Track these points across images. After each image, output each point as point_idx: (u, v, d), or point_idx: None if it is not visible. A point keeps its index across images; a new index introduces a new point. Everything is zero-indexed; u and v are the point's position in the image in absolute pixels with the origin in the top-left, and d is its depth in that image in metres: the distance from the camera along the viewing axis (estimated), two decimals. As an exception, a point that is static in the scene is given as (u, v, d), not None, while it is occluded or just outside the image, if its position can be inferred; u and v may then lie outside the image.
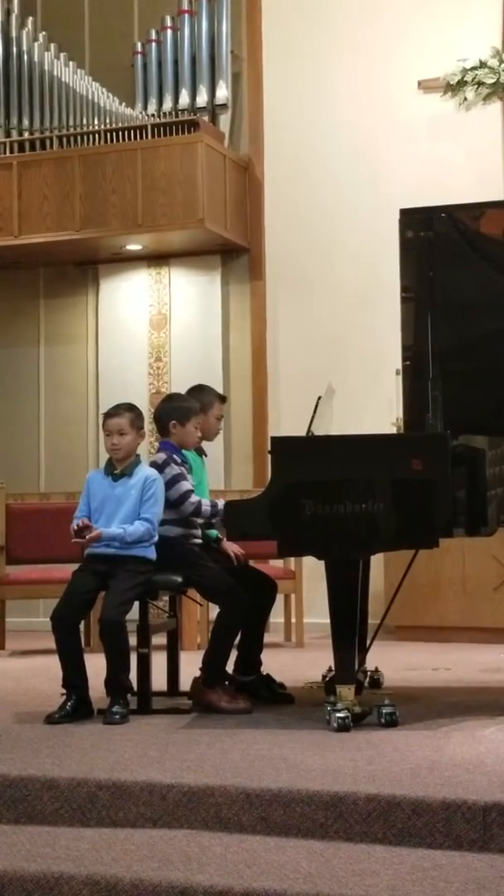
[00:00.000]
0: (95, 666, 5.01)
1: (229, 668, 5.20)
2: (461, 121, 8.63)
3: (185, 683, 5.31)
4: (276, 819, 3.56)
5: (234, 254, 9.11)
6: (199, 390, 5.68)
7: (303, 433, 5.23)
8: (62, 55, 9.24)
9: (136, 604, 5.06)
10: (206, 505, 5.14)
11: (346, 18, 8.91)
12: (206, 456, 5.67)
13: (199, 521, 5.22)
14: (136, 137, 8.72)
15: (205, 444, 5.68)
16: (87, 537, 5.00)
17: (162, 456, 5.23)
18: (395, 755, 4.06)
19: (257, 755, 4.09)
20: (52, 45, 9.27)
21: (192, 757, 4.09)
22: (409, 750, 4.14)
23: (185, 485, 5.15)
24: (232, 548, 5.35)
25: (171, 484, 5.14)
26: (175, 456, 5.22)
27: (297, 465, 4.73)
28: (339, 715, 4.51)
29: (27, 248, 8.96)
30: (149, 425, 5.75)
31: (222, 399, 5.76)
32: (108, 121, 8.92)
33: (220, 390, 6.11)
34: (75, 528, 5.01)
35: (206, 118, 8.92)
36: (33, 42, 9.26)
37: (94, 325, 9.47)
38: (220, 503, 5.12)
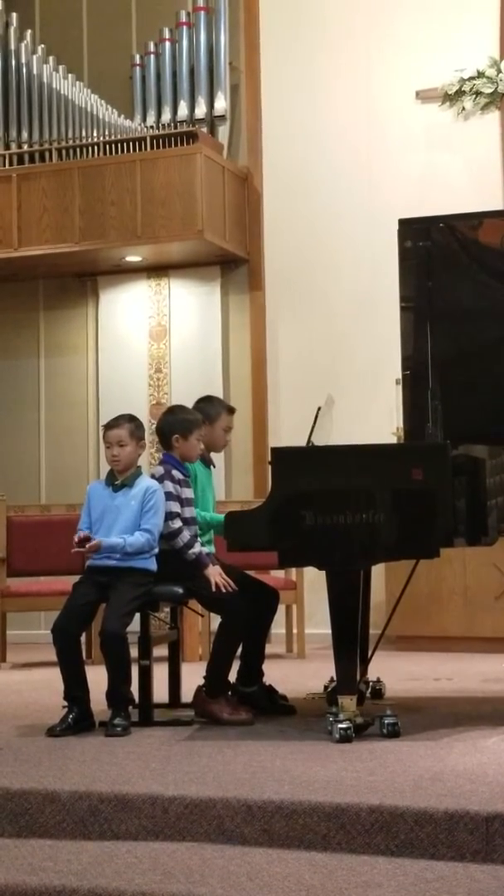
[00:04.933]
0: (96, 678, 5.00)
1: (231, 678, 5.19)
2: (459, 130, 8.65)
3: (187, 695, 5.30)
4: (278, 831, 3.55)
5: (234, 265, 9.13)
6: (207, 401, 5.64)
7: (303, 443, 5.23)
8: (61, 67, 9.27)
9: (137, 615, 5.05)
10: (182, 539, 5.04)
11: (343, 29, 8.93)
12: (213, 466, 5.64)
13: (182, 543, 5.12)
14: (134, 149, 8.74)
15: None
16: (87, 547, 5.00)
17: (160, 470, 5.21)
18: (398, 766, 4.05)
19: (259, 767, 4.09)
20: (51, 58, 9.30)
21: (194, 769, 4.08)
22: (411, 761, 4.14)
23: (173, 505, 5.10)
24: (214, 576, 5.04)
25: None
26: (175, 471, 5.18)
27: (298, 476, 4.72)
28: (341, 726, 4.50)
29: (27, 260, 8.97)
30: (150, 436, 5.74)
31: (231, 410, 5.67)
32: (106, 133, 8.94)
33: (220, 401, 6.09)
34: (76, 540, 5.01)
35: (204, 129, 8.94)
36: (32, 55, 9.29)
37: (93, 337, 9.48)
38: (197, 549, 5.03)
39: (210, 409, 5.53)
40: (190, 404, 5.55)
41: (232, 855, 3.47)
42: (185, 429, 5.23)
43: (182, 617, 5.88)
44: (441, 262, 5.21)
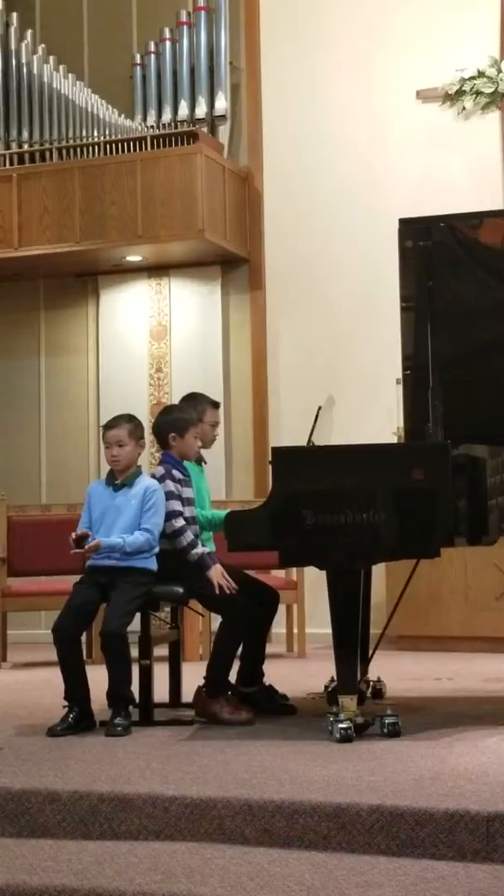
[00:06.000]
0: (97, 678, 5.01)
1: (232, 678, 5.19)
2: (460, 130, 8.65)
3: (187, 695, 5.30)
4: (278, 831, 3.55)
5: (234, 264, 9.12)
6: (191, 398, 5.68)
7: (303, 443, 5.23)
8: (61, 67, 9.27)
9: (138, 615, 5.05)
10: (185, 539, 5.05)
11: (344, 29, 8.93)
12: (205, 464, 5.66)
13: (185, 543, 5.14)
14: (135, 149, 8.73)
15: (204, 452, 5.65)
16: (86, 547, 5.00)
17: (161, 470, 5.21)
18: (398, 766, 4.05)
19: (260, 766, 4.08)
20: (52, 58, 9.29)
21: (195, 769, 4.08)
22: (411, 760, 4.14)
23: (175, 504, 5.11)
24: (216, 577, 5.03)
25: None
26: (175, 471, 5.19)
27: (298, 476, 4.72)
28: (341, 726, 4.50)
29: (27, 259, 8.97)
30: (149, 436, 5.74)
31: (215, 405, 5.71)
32: (107, 132, 8.94)
33: (220, 400, 6.09)
34: (73, 537, 5.00)
35: (205, 129, 8.94)
36: (32, 55, 9.28)
37: (94, 337, 9.47)
38: (200, 550, 5.03)
39: (195, 405, 5.55)
40: (188, 403, 5.56)
41: (232, 855, 3.47)
42: (181, 427, 5.24)
43: (182, 617, 5.89)
44: (441, 262, 5.22)
